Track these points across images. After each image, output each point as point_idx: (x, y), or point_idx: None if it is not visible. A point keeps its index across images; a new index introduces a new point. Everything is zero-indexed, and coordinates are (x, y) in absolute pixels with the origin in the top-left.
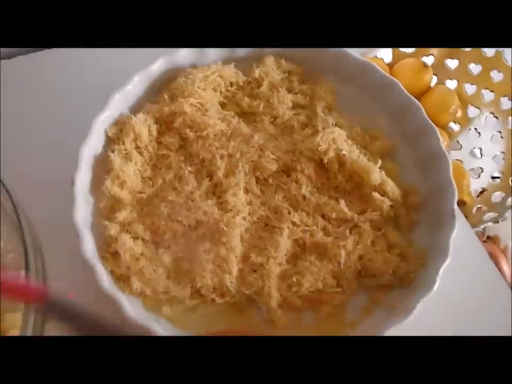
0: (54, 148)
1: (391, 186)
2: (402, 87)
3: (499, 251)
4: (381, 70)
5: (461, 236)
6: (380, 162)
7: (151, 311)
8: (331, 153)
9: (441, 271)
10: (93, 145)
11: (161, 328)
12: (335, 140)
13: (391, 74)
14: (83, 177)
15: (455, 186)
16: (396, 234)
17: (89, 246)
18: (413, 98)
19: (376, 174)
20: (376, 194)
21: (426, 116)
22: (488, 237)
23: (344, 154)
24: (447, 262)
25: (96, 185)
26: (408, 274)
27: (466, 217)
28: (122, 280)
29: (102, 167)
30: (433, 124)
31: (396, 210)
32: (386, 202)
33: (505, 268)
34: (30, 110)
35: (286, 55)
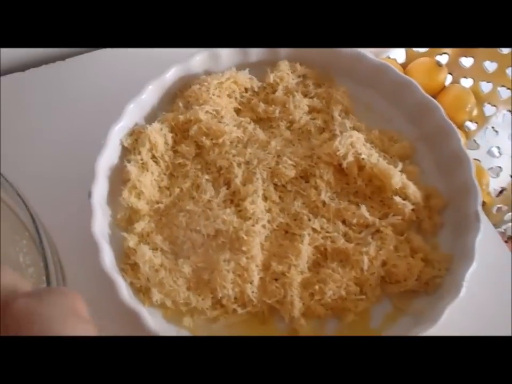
0: (69, 159)
1: (412, 189)
2: (420, 88)
3: None
4: (397, 70)
5: (485, 237)
6: (400, 165)
7: (172, 322)
8: (350, 158)
9: (467, 275)
10: (108, 156)
11: None
12: (354, 143)
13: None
14: (100, 188)
15: (478, 187)
16: (419, 239)
17: (108, 258)
18: (431, 98)
19: (397, 178)
20: (397, 198)
21: (445, 116)
22: (509, 237)
23: (363, 158)
24: (473, 266)
25: (113, 196)
26: (433, 280)
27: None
28: (142, 292)
29: (118, 177)
30: (453, 124)
31: (418, 214)
32: (408, 206)
33: None
34: (45, 122)
35: (300, 59)
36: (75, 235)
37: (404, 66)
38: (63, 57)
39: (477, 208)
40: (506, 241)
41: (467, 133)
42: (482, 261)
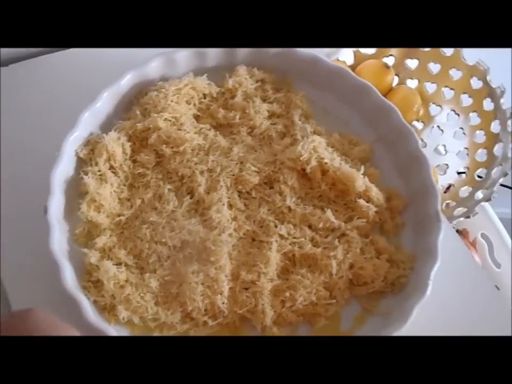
0: (21, 172)
1: (375, 192)
2: (377, 91)
3: (469, 244)
4: (354, 74)
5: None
6: (362, 168)
7: None
8: (313, 162)
9: (432, 274)
10: (63, 168)
11: None
12: (316, 148)
13: None
14: (56, 203)
15: (437, 188)
16: (383, 240)
17: (69, 276)
18: (388, 101)
19: (360, 181)
20: (361, 201)
21: (403, 118)
22: (457, 231)
23: (326, 163)
24: (437, 264)
25: (70, 211)
26: (398, 279)
27: None
28: (107, 310)
29: (75, 190)
30: (410, 127)
31: (380, 215)
32: (372, 209)
33: (476, 260)
34: None
35: (257, 64)
36: (32, 253)
37: (352, 68)
38: (6, 63)
39: (437, 208)
40: None
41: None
42: (442, 258)
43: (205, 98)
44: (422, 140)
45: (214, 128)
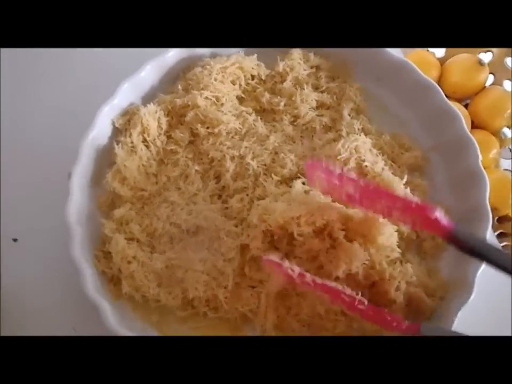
0: (53, 139)
1: None
2: (442, 93)
3: None
4: (419, 71)
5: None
6: (405, 177)
7: (139, 318)
8: (352, 163)
9: (460, 311)
10: (97, 135)
11: None
12: (358, 148)
13: (442, 71)
14: (83, 170)
15: (490, 213)
16: (415, 262)
17: (78, 244)
18: (452, 106)
19: (401, 192)
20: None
21: (466, 127)
22: None
23: (366, 166)
24: (470, 299)
25: (99, 178)
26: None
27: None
28: (113, 282)
29: (107, 159)
30: (473, 138)
31: (419, 232)
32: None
33: None
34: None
35: (315, 48)
36: (52, 221)
37: (441, 61)
38: None
39: (485, 236)
40: None
41: (502, 140)
42: (483, 289)
43: (252, 79)
44: (510, 150)
45: (256, 113)
